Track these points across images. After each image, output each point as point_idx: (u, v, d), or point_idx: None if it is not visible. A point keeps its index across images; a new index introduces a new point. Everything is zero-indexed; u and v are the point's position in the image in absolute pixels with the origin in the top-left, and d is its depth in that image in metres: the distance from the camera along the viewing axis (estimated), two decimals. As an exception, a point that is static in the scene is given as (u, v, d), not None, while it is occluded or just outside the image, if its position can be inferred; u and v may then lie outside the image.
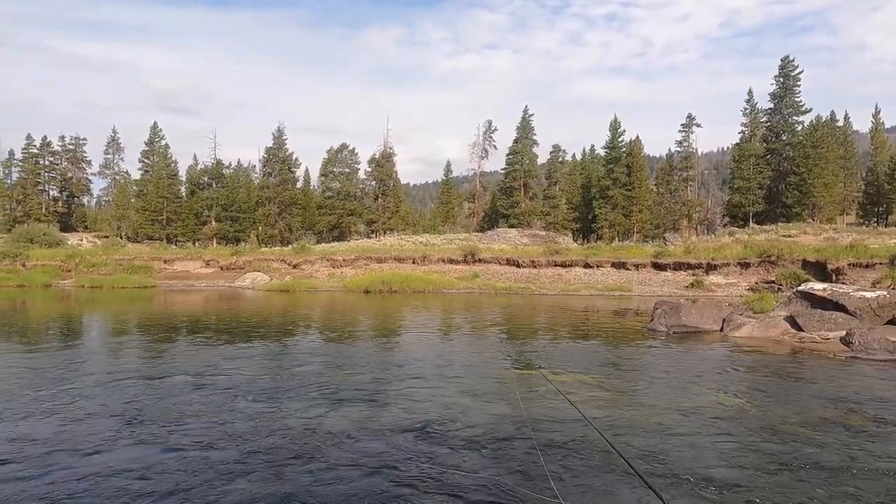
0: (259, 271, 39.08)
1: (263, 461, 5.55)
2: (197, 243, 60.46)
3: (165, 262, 42.62)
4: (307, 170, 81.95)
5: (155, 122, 68.44)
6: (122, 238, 59.41)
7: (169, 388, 8.61)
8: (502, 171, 67.90)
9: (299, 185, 70.54)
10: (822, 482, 5.12)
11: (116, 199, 68.40)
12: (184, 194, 65.20)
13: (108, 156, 74.94)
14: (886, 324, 13.80)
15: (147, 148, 66.95)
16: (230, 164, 73.02)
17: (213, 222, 61.89)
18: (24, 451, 5.75)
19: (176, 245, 57.69)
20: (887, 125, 73.35)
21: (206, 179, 64.37)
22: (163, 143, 67.19)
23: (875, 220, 55.23)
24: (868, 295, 14.58)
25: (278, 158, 62.13)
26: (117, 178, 74.62)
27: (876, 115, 69.33)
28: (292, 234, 60.41)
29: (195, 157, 73.27)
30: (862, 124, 76.70)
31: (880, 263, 30.30)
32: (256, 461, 5.55)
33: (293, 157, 63.90)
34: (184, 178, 66.82)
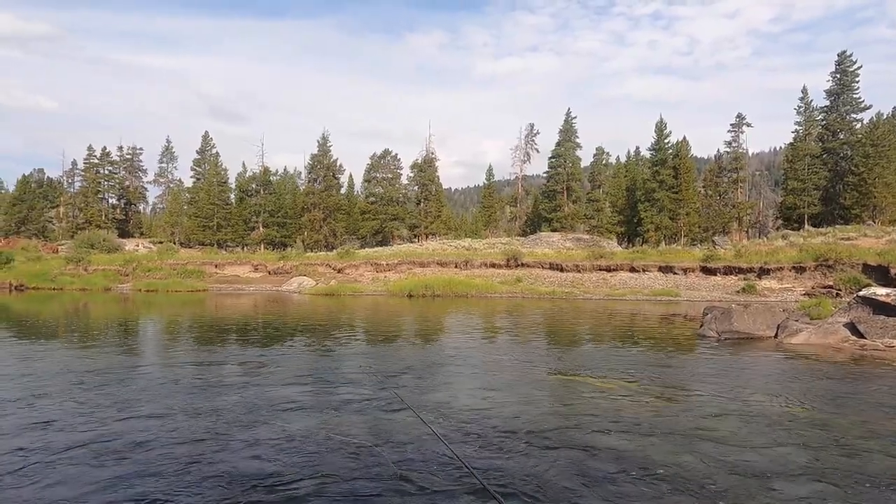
0: (305, 276, 39.94)
1: (309, 463, 5.69)
2: (245, 248, 62.28)
3: (216, 266, 44.07)
4: (351, 175, 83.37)
5: (206, 132, 71.04)
6: (175, 243, 61.75)
7: (221, 389, 8.91)
8: (545, 175, 67.43)
9: (343, 190, 71.89)
10: (887, 500, 4.90)
11: (170, 206, 71.23)
12: (233, 201, 67.31)
13: (163, 164, 78.23)
14: (957, 331, 13.02)
15: (199, 156, 69.54)
16: (277, 171, 75.09)
17: (261, 228, 63.62)
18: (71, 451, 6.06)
19: (225, 250, 59.60)
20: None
21: (254, 186, 66.31)
22: (213, 151, 69.69)
23: (943, 221, 52.18)
24: (936, 300, 13.81)
25: (323, 165, 63.44)
26: (171, 185, 77.76)
27: (943, 110, 65.55)
28: (336, 240, 61.52)
29: (244, 164, 75.43)
30: (927, 121, 72.59)
31: (949, 267, 28.68)
32: (308, 462, 5.69)
33: (337, 164, 65.17)
34: (233, 185, 69.01)
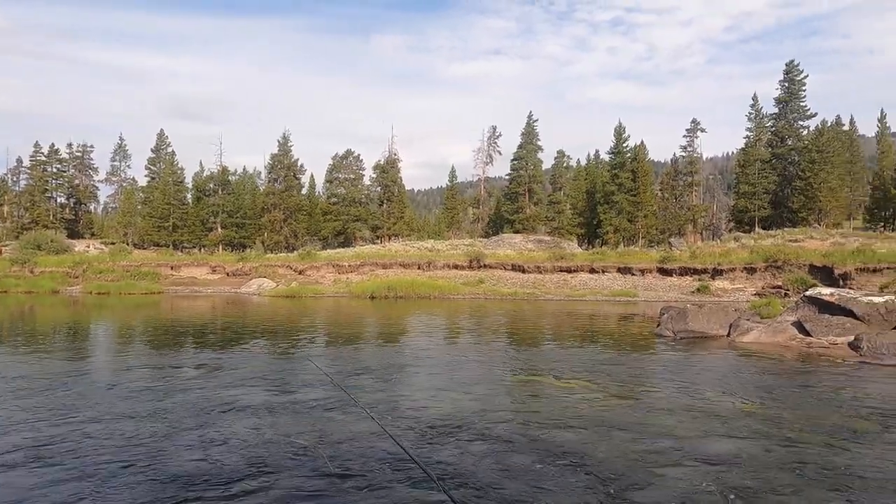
0: (265, 277, 39.21)
1: (256, 468, 5.57)
2: (203, 250, 60.69)
3: (172, 268, 42.84)
4: (312, 176, 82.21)
5: (161, 130, 68.90)
6: (128, 245, 59.68)
7: (173, 391, 8.64)
8: (507, 177, 67.96)
9: (304, 191, 70.82)
10: (829, 490, 5.10)
11: (123, 206, 68.78)
12: (190, 201, 65.55)
13: (115, 163, 75.42)
14: (895, 328, 13.70)
15: (153, 155, 67.43)
16: (235, 171, 73.41)
17: (219, 229, 62.16)
18: (20, 455, 5.80)
19: (182, 252, 57.94)
20: (893, 129, 73.04)
21: (211, 186, 64.70)
22: (169, 149, 67.68)
23: (882, 224, 54.89)
24: (876, 300, 14.49)
25: (283, 165, 62.40)
26: (124, 184, 75.09)
27: (882, 119, 69.10)
28: (297, 241, 60.59)
29: (201, 163, 73.34)
30: (868, 128, 76.57)
31: (888, 268, 30.18)
32: (252, 468, 5.56)
33: (298, 164, 64.17)
34: (190, 185, 67.23)
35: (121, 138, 75.34)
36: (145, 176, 67.97)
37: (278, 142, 63.11)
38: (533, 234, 56.64)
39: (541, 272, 38.12)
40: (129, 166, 76.39)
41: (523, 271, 38.68)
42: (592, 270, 37.60)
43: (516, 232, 58.17)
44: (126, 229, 65.19)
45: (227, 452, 5.88)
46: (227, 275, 41.93)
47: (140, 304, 28.56)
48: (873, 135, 71.83)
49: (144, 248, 58.53)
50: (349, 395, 7.91)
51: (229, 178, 66.29)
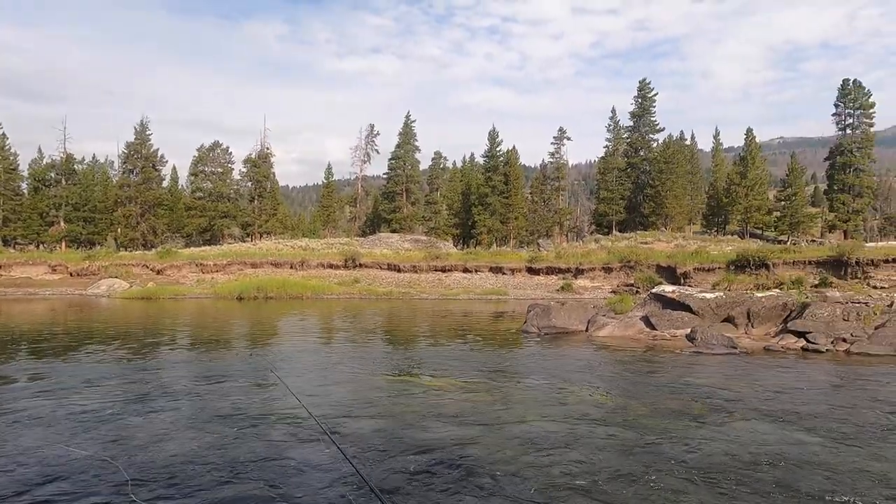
0: (117, 277, 35.61)
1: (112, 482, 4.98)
2: (42, 246, 53.90)
3: (1, 267, 37.56)
4: (175, 168, 76.44)
5: (-11, 109, 60.12)
6: (-56, 240, 51.43)
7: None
8: (385, 176, 67.86)
9: (166, 183, 65.45)
10: (664, 469, 5.57)
11: (-63, 195, 59.06)
12: (25, 191, 57.90)
13: (-72, 144, 64.53)
14: (723, 321, 15.49)
15: (-22, 137, 58.64)
16: (84, 159, 66.07)
17: (62, 223, 55.53)
18: None
19: (15, 248, 50.96)
20: (725, 145, 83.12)
21: (53, 175, 57.61)
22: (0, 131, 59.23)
23: (715, 229, 62.20)
24: (708, 296, 16.30)
25: (141, 155, 57.21)
26: (-61, 170, 64.47)
27: (716, 136, 78.26)
28: (157, 238, 55.85)
29: (40, 149, 65.01)
30: (705, 143, 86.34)
31: (719, 268, 34.17)
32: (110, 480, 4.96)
33: (158, 154, 59.15)
34: (26, 173, 59.36)
35: (-65, 116, 64.65)
36: (-33, 161, 58.89)
37: (135, 129, 57.78)
38: (410, 233, 57.01)
39: (416, 272, 38.44)
40: (-54, 149, 65.77)
41: (399, 271, 38.76)
42: (466, 270, 38.60)
43: (394, 231, 58.24)
44: (-59, 222, 56.06)
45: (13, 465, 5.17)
46: (71, 275, 37.58)
47: (-44, 308, 24.63)
48: (709, 150, 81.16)
49: (-35, 245, 50.71)
50: (196, 405, 7.33)
51: (75, 167, 59.44)
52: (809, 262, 32.68)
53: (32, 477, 5.25)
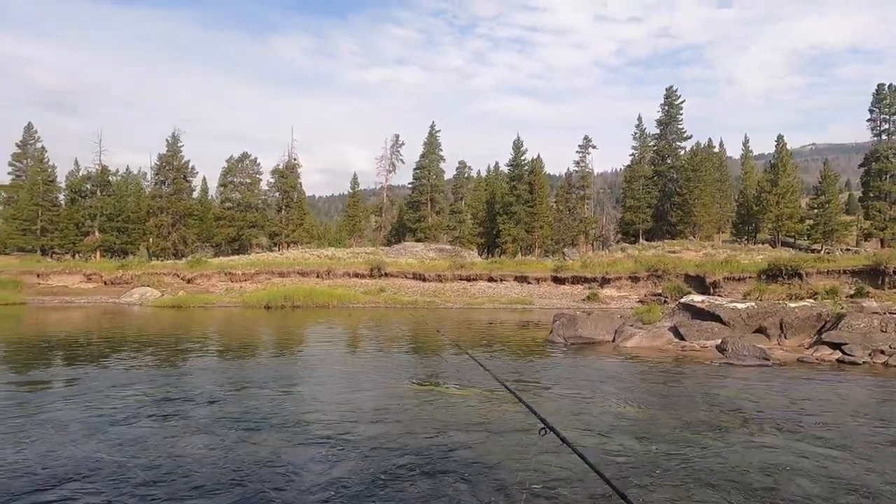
0: (149, 286, 36.47)
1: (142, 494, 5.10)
2: (77, 256, 55.46)
3: (39, 276, 38.76)
4: (205, 179, 78.06)
5: (30, 123, 62.24)
6: (-14, 249, 53.34)
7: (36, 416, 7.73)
8: (409, 186, 68.24)
9: (196, 194, 66.91)
10: (694, 483, 5.47)
11: (-20, 206, 61.35)
12: (63, 202, 59.74)
13: (-28, 158, 67.20)
14: (755, 332, 15.17)
15: (19, 150, 60.83)
16: (117, 171, 67.95)
17: (97, 233, 57.10)
18: None
19: (52, 258, 52.57)
20: (755, 152, 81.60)
21: (89, 187, 59.34)
22: (38, 145, 61.27)
23: (746, 238, 60.99)
24: (739, 306, 15.98)
25: (172, 166, 58.59)
26: (-18, 182, 66.97)
27: (745, 143, 77.02)
28: (187, 247, 57.02)
29: (76, 161, 66.99)
30: (734, 151, 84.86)
31: (750, 277, 33.48)
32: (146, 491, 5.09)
33: (189, 165, 60.54)
34: (63, 185, 61.33)
35: (-21, 130, 67.30)
36: (9, 174, 61.06)
37: (167, 141, 59.28)
38: (434, 242, 57.15)
39: (441, 281, 38.48)
40: (-11, 162, 68.30)
41: (424, 280, 38.85)
42: (491, 279, 38.50)
43: (418, 240, 58.44)
44: (-17, 232, 58.19)
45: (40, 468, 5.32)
46: (105, 283, 38.59)
47: (-3, 316, 25.50)
48: (738, 157, 79.78)
49: (7, 254, 52.47)
50: (224, 410, 7.46)
51: (110, 178, 61.16)
52: (844, 272, 31.82)
53: (49, 477, 5.46)
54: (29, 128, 61.93)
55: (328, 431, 7.08)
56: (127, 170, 75.13)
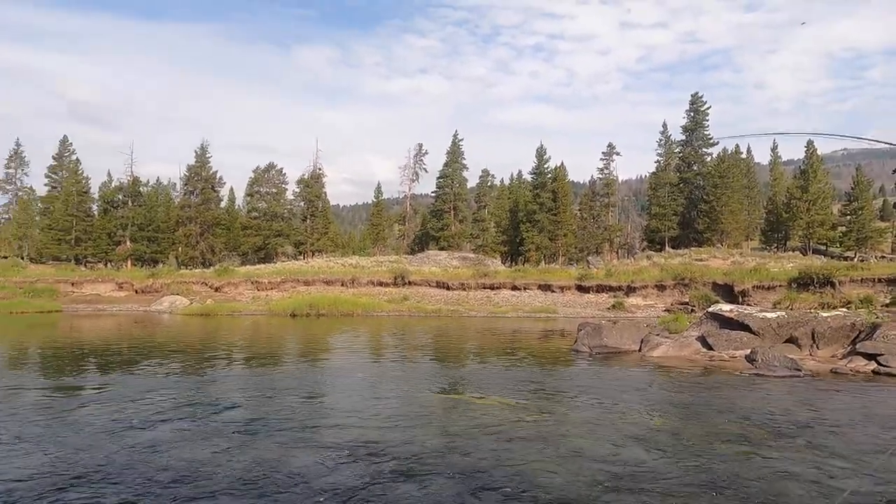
0: (178, 294, 37.17)
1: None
2: (109, 265, 56.89)
3: (73, 284, 39.83)
4: (232, 189, 79.60)
5: (65, 136, 64.18)
6: (23, 258, 54.98)
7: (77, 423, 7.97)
8: (433, 194, 68.50)
9: (223, 204, 68.17)
10: (721, 497, 5.39)
11: (18, 217, 63.31)
12: (95, 212, 61.43)
13: (10, 170, 69.37)
14: (785, 342, 14.84)
15: (55, 162, 62.76)
16: (148, 182, 69.69)
17: (129, 243, 58.53)
18: None
19: (85, 266, 54.03)
20: (784, 158, 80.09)
21: (120, 197, 60.95)
22: (73, 157, 63.18)
23: (775, 245, 59.75)
24: (769, 315, 15.66)
25: (201, 177, 59.86)
26: (20, 193, 69.19)
27: (774, 149, 75.68)
28: (215, 256, 58.06)
29: (109, 173, 68.95)
30: (762, 157, 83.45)
31: (780, 286, 32.73)
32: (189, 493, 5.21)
33: (217, 176, 61.78)
34: (96, 196, 63.08)
35: (17, 143, 69.52)
36: (45, 185, 63.04)
37: (195, 152, 60.61)
38: (458, 251, 57.20)
39: (465, 289, 38.45)
40: (26, 174, 70.37)
41: (448, 288, 38.87)
42: (514, 287, 38.34)
43: (442, 249, 58.55)
44: (21, 242, 60.10)
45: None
46: (136, 292, 39.46)
47: (35, 323, 26.26)
48: (767, 163, 78.35)
49: (42, 263, 54.08)
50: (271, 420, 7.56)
51: (141, 189, 62.72)
52: (879, 280, 30.91)
53: (73, 477, 5.66)
54: (64, 141, 63.87)
55: (348, 438, 7.15)
56: (157, 180, 77.03)
